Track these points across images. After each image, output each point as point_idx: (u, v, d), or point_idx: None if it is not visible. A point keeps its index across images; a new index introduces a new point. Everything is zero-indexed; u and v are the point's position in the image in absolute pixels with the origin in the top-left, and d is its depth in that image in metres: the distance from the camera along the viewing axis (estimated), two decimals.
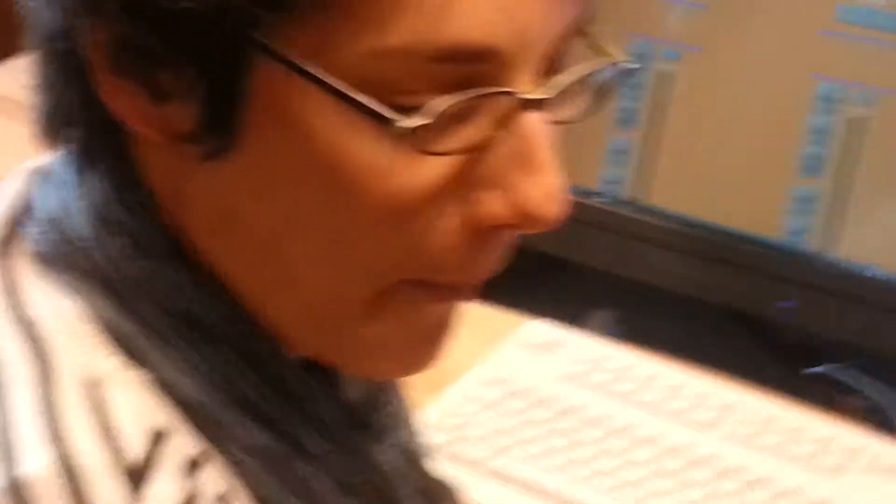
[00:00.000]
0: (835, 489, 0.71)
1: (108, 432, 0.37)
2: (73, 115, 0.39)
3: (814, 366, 0.87)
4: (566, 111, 0.37)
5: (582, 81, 0.38)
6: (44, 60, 0.38)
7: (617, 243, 0.88)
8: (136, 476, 0.36)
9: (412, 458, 0.47)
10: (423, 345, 0.40)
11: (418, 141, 0.34)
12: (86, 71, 0.36)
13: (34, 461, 0.35)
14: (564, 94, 0.37)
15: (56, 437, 0.36)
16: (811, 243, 0.82)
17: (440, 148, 0.35)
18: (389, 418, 0.47)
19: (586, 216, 0.86)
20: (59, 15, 0.37)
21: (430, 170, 0.35)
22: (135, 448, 0.36)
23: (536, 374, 0.80)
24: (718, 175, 0.86)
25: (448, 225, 0.37)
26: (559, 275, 0.96)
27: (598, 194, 0.89)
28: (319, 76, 0.34)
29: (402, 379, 0.48)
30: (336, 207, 0.36)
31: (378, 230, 0.36)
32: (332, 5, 0.34)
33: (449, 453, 0.71)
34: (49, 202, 0.41)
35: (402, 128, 0.34)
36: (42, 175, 0.42)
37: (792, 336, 0.89)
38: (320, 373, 0.43)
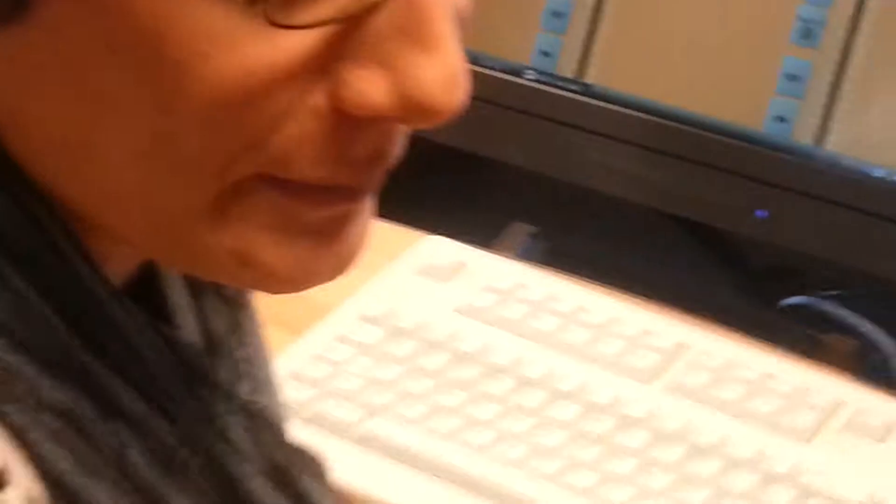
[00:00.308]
0: (806, 455, 0.66)
1: None
2: None
3: (792, 295, 0.79)
4: None
5: None
6: None
7: (545, 134, 0.80)
8: None
9: (262, 423, 0.43)
10: (302, 254, 0.36)
11: (269, 8, 0.31)
12: None
13: None
14: None
15: None
16: (797, 134, 0.75)
17: (298, 19, 0.31)
18: (236, 369, 0.44)
19: (506, 98, 0.79)
20: None
21: (285, 42, 0.32)
22: None
23: (431, 306, 0.74)
24: (680, 46, 0.78)
25: (305, 111, 0.33)
26: (468, 176, 0.88)
27: (524, 69, 0.80)
28: None
29: (262, 311, 0.47)
30: (160, 91, 0.33)
31: (215, 117, 0.33)
32: None
33: (312, 413, 0.67)
34: None
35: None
36: None
37: (766, 256, 0.83)
38: (147, 304, 0.40)
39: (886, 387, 0.73)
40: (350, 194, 0.35)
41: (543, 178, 0.83)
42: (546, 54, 0.81)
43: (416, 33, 0.31)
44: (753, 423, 0.66)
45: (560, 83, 0.80)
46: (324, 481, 0.43)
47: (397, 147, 0.35)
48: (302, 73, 0.32)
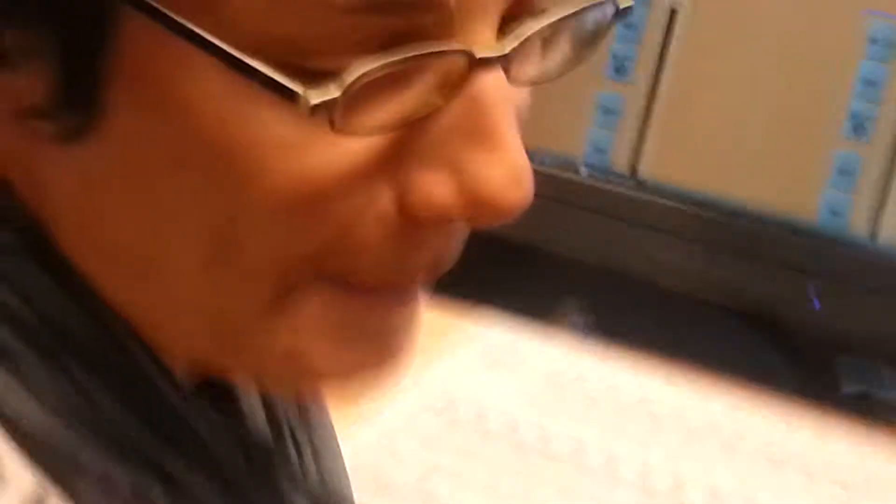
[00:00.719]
0: None
1: None
2: None
3: (852, 385, 0.78)
4: (533, 68, 0.33)
5: (555, 28, 0.34)
6: None
7: (603, 227, 0.82)
8: None
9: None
10: (355, 356, 0.36)
11: (333, 117, 0.30)
12: None
13: None
14: (530, 47, 0.33)
15: None
16: (853, 227, 0.75)
17: (361, 126, 0.31)
18: (304, 458, 0.44)
19: (562, 193, 0.80)
20: None
21: (350, 148, 0.31)
22: None
23: (490, 395, 0.73)
24: (733, 141, 0.79)
25: (373, 214, 0.33)
26: (527, 267, 0.87)
27: (580, 164, 0.81)
28: (203, 35, 0.30)
29: (328, 402, 0.46)
30: (225, 199, 0.33)
31: (280, 224, 0.32)
32: None
33: (384, 485, 0.66)
34: None
35: (310, 103, 0.30)
36: None
37: (822, 345, 0.81)
38: (216, 401, 0.40)
39: None
40: (406, 297, 0.35)
41: (597, 269, 0.83)
42: (595, 149, 0.82)
43: (480, 133, 0.31)
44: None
45: (613, 178, 0.81)
46: None
47: (458, 248, 0.35)
48: (367, 178, 0.32)
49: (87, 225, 0.35)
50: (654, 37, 0.81)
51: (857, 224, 0.76)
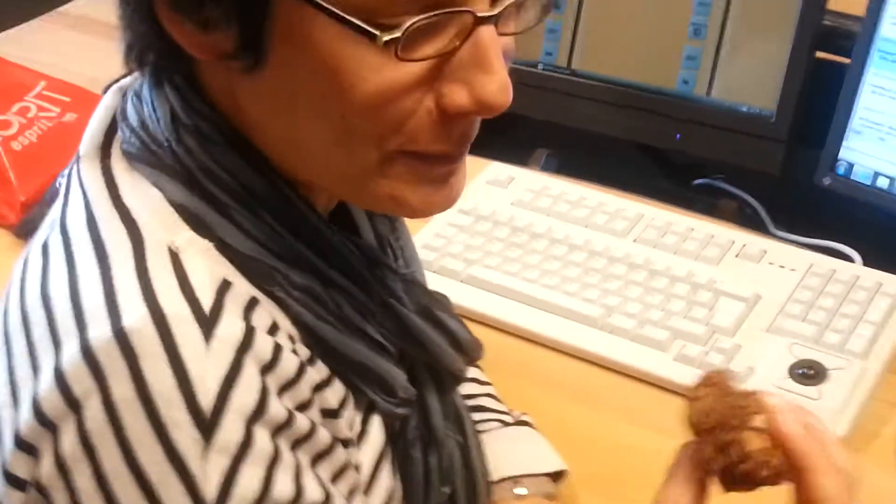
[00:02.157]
0: (715, 272, 0.82)
1: (185, 289, 0.40)
2: (147, 44, 0.42)
3: (699, 179, 0.99)
4: (513, 24, 0.42)
5: (522, 2, 0.42)
6: (122, 3, 0.42)
7: (553, 99, 0.99)
8: (208, 321, 0.40)
9: (412, 283, 0.51)
10: (428, 195, 0.44)
11: (397, 50, 0.38)
12: (154, 9, 0.40)
13: (132, 315, 0.39)
14: (511, 10, 0.41)
15: (148, 295, 0.40)
16: (697, 89, 0.95)
17: (413, 55, 0.39)
18: (394, 253, 0.53)
19: (531, 80, 1.00)
20: None
21: (407, 71, 0.39)
22: (206, 299, 0.40)
23: (497, 202, 0.91)
24: (627, 44, 0.97)
25: (422, 110, 0.41)
26: (512, 127, 0.90)
27: (539, 63, 1.00)
28: (324, 4, 0.37)
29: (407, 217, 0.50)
30: (340, 101, 0.40)
31: (372, 115, 0.40)
32: None
33: (437, 266, 0.84)
34: (133, 113, 0.45)
35: (383, 40, 0.37)
36: (126, 92, 0.46)
37: (683, 159, 1.01)
38: (343, 224, 0.48)
39: (756, 230, 0.90)
40: (452, 159, 0.43)
41: (553, 125, 0.99)
42: (546, 54, 0.99)
43: (481, 63, 0.40)
44: (684, 256, 0.84)
45: (558, 70, 0.98)
46: (450, 310, 0.53)
47: (475, 130, 0.43)
48: (418, 88, 0.40)
49: (267, 124, 0.43)
50: None
51: (699, 89, 0.94)
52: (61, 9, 1.26)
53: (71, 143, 0.47)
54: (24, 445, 0.41)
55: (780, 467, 0.43)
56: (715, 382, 0.45)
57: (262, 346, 0.41)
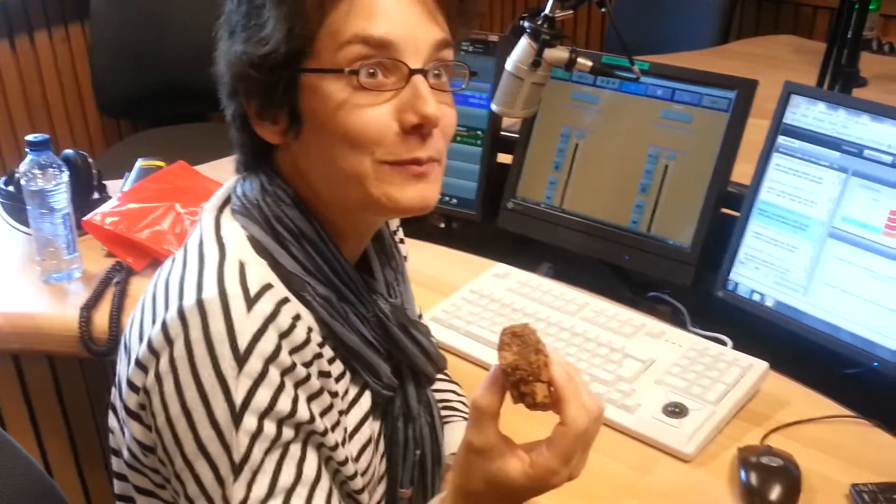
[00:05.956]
0: (635, 345, 1.06)
1: (242, 283, 0.55)
2: (245, 148, 0.60)
3: (649, 292, 1.21)
4: (439, 80, 0.59)
5: (448, 65, 0.60)
6: (232, 124, 0.61)
7: (550, 228, 1.23)
8: (251, 301, 0.54)
9: (398, 309, 0.66)
10: (411, 191, 0.60)
11: (360, 80, 0.54)
12: (249, 122, 0.58)
13: (208, 292, 0.54)
14: (439, 68, 0.57)
15: (220, 283, 0.55)
16: (641, 227, 1.19)
17: (372, 84, 0.54)
18: (395, 293, 0.69)
19: (537, 214, 1.24)
20: (229, 101, 0.59)
21: (374, 100, 0.55)
22: (254, 289, 0.55)
23: (495, 288, 1.15)
24: (599, 195, 1.20)
25: (391, 131, 0.58)
26: (525, 247, 1.30)
27: (542, 203, 1.26)
28: (328, 69, 0.52)
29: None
30: (342, 137, 0.55)
31: (360, 135, 0.57)
32: (323, 37, 0.52)
33: (447, 323, 1.09)
34: (240, 189, 0.62)
35: (346, 70, 0.53)
36: (237, 180, 0.64)
37: (641, 279, 1.22)
38: (363, 267, 0.63)
39: (680, 325, 1.13)
40: (420, 162, 0.60)
41: (550, 246, 1.22)
42: (548, 197, 1.21)
43: (420, 97, 0.59)
44: (622, 336, 1.06)
45: (555, 209, 1.20)
46: (425, 332, 0.69)
47: (434, 144, 0.59)
48: (386, 116, 0.58)
49: (305, 172, 0.60)
50: (571, 153, 1.11)
51: (643, 226, 1.17)
52: None
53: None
54: (140, 364, 0.57)
55: (552, 401, 0.58)
56: (518, 334, 0.58)
57: (283, 320, 0.56)
